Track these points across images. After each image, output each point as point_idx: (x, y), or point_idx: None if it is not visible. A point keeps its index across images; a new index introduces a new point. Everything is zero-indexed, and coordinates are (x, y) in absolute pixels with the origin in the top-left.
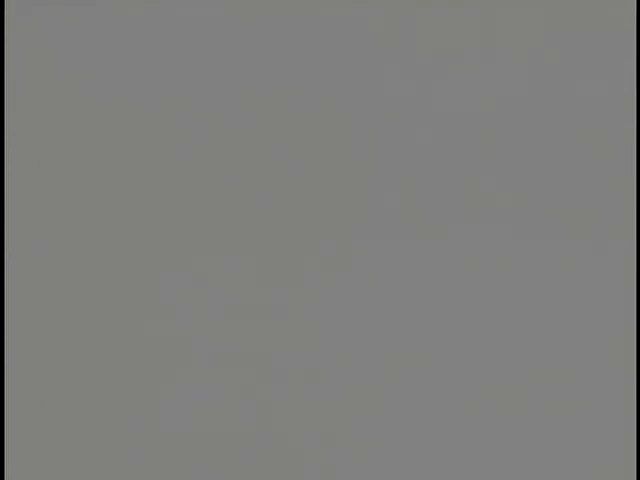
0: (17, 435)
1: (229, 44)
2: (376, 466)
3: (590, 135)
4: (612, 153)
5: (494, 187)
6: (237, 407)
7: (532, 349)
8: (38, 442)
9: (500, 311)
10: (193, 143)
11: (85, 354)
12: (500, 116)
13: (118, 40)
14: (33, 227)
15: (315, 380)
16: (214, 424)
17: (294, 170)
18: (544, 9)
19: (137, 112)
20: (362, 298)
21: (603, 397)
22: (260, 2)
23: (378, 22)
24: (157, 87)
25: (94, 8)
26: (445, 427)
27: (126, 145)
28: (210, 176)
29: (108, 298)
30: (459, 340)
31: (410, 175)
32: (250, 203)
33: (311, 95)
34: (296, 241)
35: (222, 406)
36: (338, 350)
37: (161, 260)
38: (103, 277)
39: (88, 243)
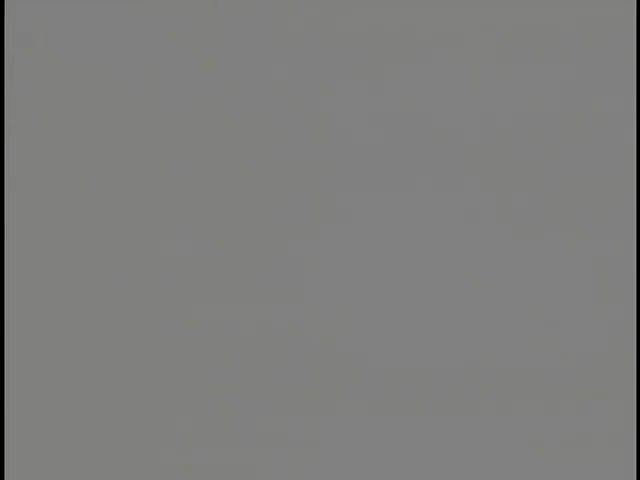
0: (17, 435)
1: (227, 39)
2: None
3: (589, 135)
4: (612, 153)
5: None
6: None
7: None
8: (38, 443)
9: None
10: (193, 144)
11: (82, 353)
12: (497, 122)
13: (115, 31)
14: (31, 217)
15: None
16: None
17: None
18: (542, 9)
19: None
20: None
21: (602, 393)
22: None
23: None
24: (157, 80)
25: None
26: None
27: (122, 136)
28: (209, 173)
29: (110, 293)
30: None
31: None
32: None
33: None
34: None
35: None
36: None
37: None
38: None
39: (87, 239)
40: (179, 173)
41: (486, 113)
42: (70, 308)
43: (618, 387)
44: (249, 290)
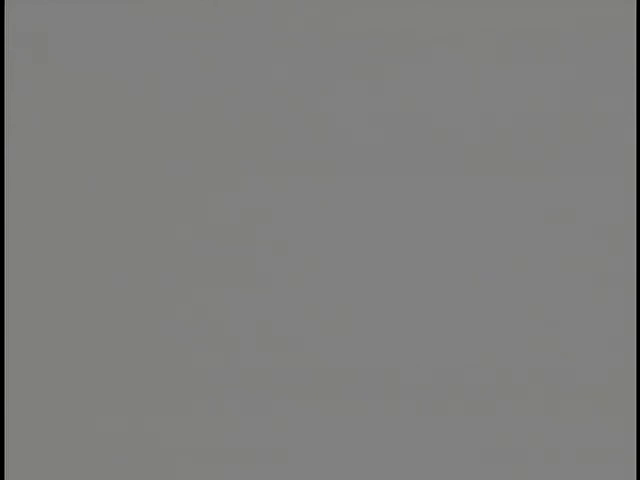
0: (17, 435)
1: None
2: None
3: (589, 135)
4: (612, 153)
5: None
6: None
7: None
8: (39, 442)
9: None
10: (193, 143)
11: (83, 354)
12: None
13: (114, 30)
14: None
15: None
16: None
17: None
18: (542, 9)
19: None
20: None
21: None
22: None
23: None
24: (157, 79)
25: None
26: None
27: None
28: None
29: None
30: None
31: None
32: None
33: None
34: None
35: None
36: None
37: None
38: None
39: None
40: (179, 173)
41: (486, 113)
42: (70, 308)
43: (618, 387)
44: (249, 290)
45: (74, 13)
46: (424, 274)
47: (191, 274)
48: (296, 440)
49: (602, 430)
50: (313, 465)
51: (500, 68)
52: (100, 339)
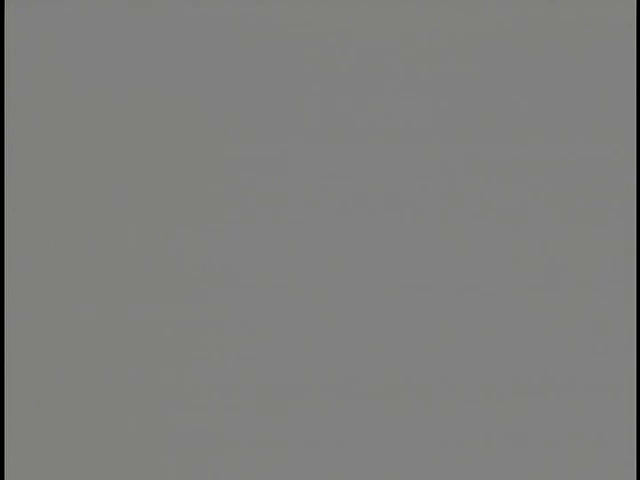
0: (17, 435)
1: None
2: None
3: (589, 135)
4: (612, 153)
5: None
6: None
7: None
8: (39, 442)
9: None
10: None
11: (82, 353)
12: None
13: (112, 36)
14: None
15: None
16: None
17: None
18: (542, 9)
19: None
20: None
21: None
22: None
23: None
24: (156, 85)
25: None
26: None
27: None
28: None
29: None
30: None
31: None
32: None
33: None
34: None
35: None
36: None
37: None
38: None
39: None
40: (179, 173)
41: (486, 113)
42: (70, 308)
43: (618, 387)
44: (249, 291)
45: (74, 13)
46: (424, 274)
47: (191, 274)
48: (296, 440)
49: (602, 430)
50: (313, 465)
51: (500, 68)
52: (99, 339)
